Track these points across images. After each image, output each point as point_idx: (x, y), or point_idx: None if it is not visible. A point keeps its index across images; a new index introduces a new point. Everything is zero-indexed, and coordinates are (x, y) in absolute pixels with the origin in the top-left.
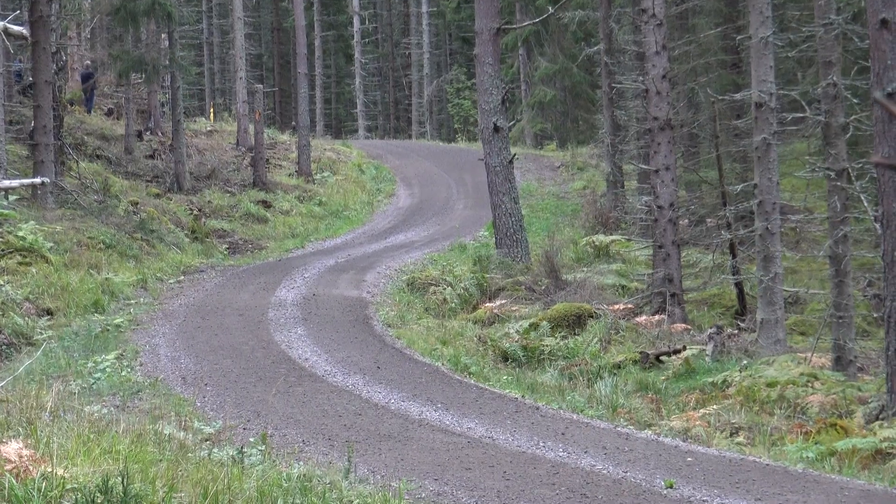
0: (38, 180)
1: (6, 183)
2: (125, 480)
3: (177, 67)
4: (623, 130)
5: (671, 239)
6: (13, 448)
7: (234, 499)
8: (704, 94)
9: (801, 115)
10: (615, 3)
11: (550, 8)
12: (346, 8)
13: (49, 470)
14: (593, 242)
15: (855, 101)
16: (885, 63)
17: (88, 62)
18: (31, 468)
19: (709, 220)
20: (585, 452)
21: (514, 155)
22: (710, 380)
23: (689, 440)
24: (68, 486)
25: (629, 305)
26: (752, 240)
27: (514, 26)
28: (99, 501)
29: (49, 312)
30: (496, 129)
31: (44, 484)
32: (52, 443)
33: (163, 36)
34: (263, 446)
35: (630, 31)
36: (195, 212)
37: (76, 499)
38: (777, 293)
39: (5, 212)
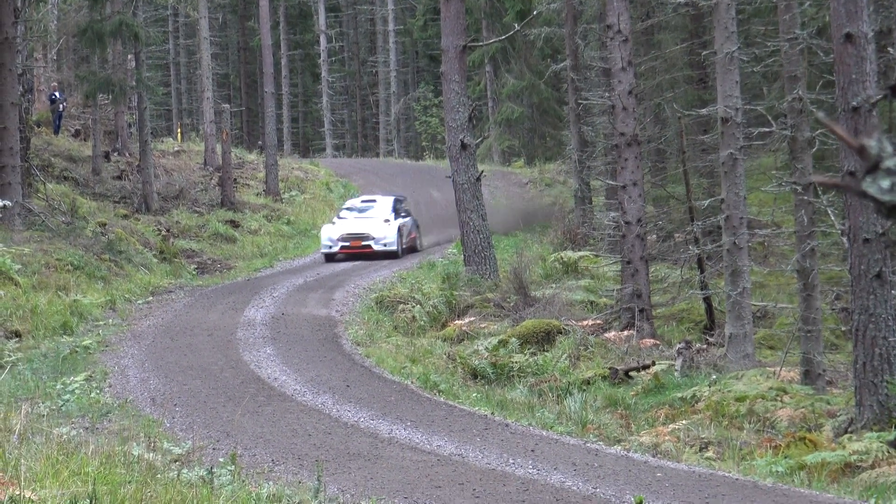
0: None
1: None
2: (94, 502)
3: (143, 88)
4: (590, 146)
5: (639, 254)
6: None
7: None
8: (671, 110)
9: (768, 129)
10: (581, 20)
11: (517, 25)
12: (313, 27)
13: (17, 493)
14: (562, 259)
15: (821, 114)
16: (850, 77)
17: (55, 83)
18: None
19: (677, 235)
20: (555, 469)
21: (482, 172)
22: (679, 395)
23: (659, 455)
24: None
25: (598, 321)
26: (720, 255)
27: (481, 43)
28: None
29: (17, 335)
30: (463, 146)
31: None
32: (21, 465)
33: (129, 56)
34: (233, 466)
35: (596, 47)
36: (163, 232)
37: None
38: (745, 308)
39: None
